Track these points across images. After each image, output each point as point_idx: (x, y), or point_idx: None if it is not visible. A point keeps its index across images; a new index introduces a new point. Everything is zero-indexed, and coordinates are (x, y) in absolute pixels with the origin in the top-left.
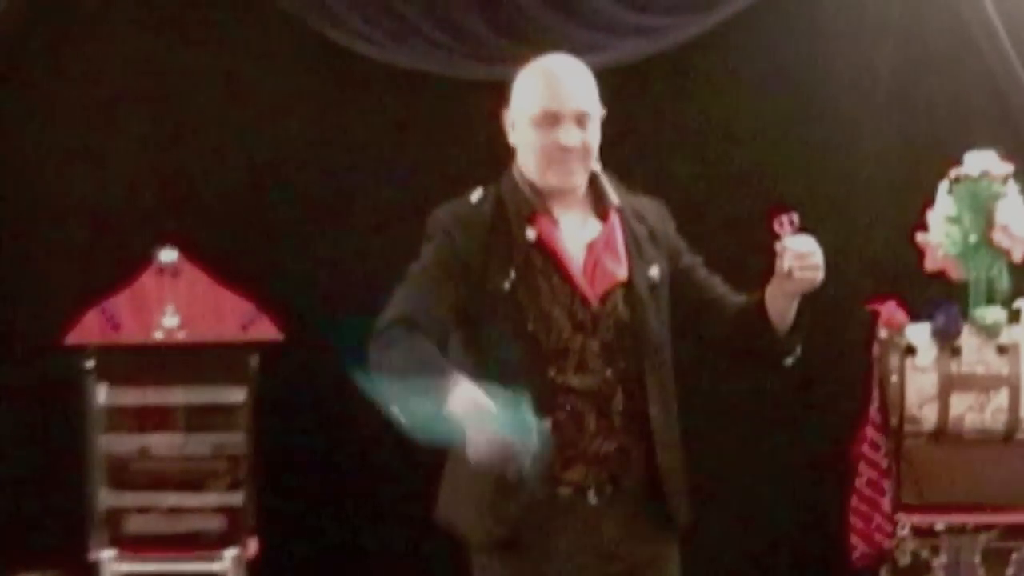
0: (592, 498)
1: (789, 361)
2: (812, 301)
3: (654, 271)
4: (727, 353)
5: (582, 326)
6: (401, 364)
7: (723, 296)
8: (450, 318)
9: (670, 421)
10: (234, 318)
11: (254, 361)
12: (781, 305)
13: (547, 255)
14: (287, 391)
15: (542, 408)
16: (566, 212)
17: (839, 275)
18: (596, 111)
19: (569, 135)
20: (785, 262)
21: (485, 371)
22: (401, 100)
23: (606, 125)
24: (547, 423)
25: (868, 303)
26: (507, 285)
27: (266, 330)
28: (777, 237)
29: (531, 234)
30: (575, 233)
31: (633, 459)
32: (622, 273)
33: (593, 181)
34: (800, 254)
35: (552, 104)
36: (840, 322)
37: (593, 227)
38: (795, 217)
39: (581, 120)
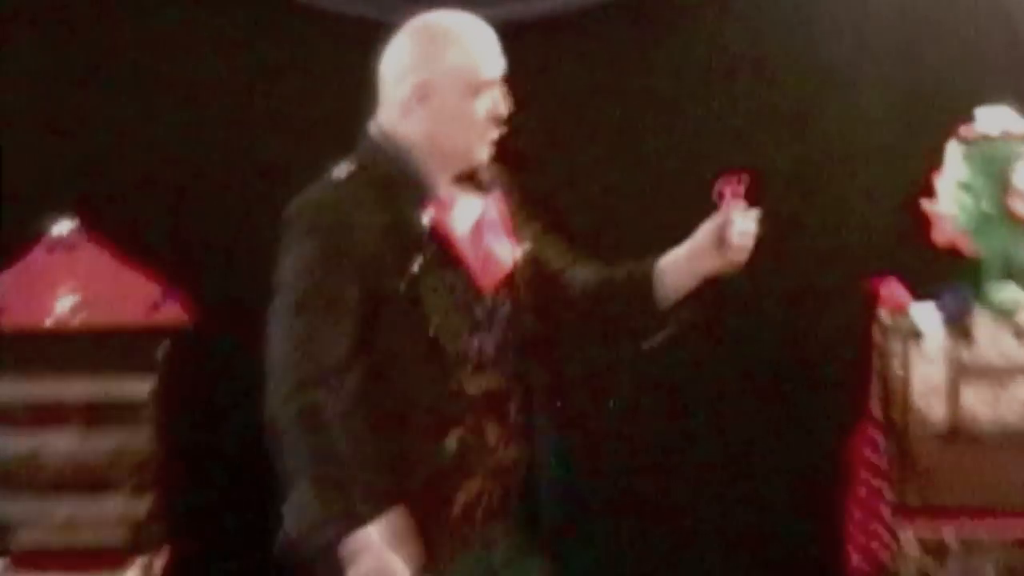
0: (478, 515)
1: (647, 344)
2: (801, 278)
3: (526, 247)
4: (571, 333)
5: (478, 324)
6: (323, 460)
7: (573, 264)
8: (352, 353)
9: (551, 424)
10: (139, 300)
11: (162, 349)
12: (686, 281)
13: (441, 244)
14: (200, 383)
15: (446, 423)
16: (446, 189)
17: (833, 249)
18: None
19: (501, 104)
20: (732, 234)
21: (380, 388)
22: (336, 54)
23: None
24: (452, 440)
25: (866, 281)
26: (403, 285)
27: (176, 314)
28: (715, 204)
29: (425, 220)
30: (462, 214)
31: (523, 468)
32: (509, 258)
33: None
34: (744, 231)
35: (490, 71)
36: (835, 303)
37: (473, 203)
38: (744, 179)
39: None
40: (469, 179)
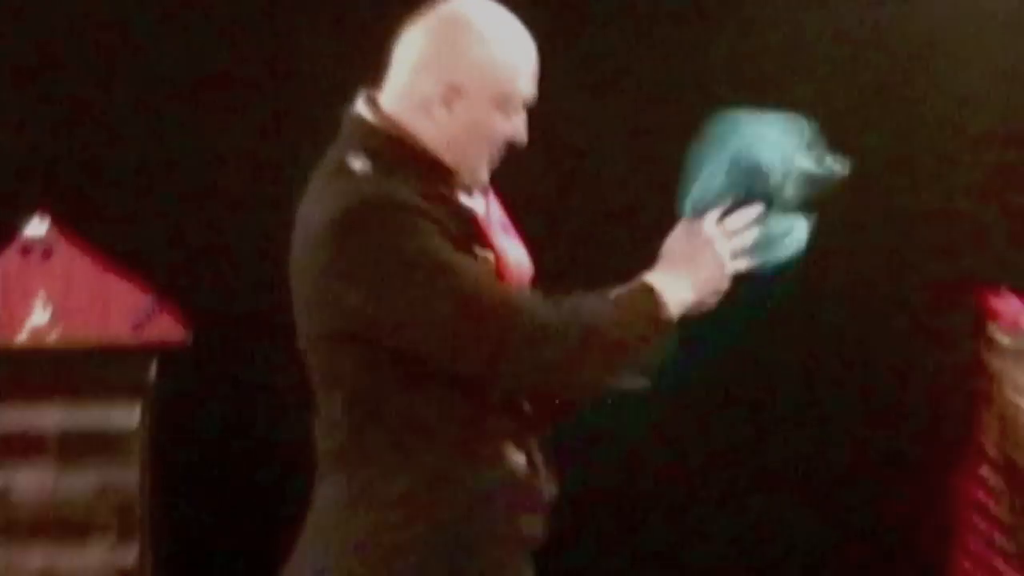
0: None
1: (641, 383)
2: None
3: None
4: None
5: None
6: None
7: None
8: None
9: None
10: (125, 313)
11: (151, 371)
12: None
13: (486, 248)
14: (194, 410)
15: (516, 447)
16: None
17: (932, 252)
18: None
19: (524, 130)
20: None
21: (441, 409)
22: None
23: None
24: (520, 455)
25: (975, 293)
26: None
27: (167, 329)
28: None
29: (479, 208)
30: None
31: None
32: (528, 263)
33: None
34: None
35: (527, 90)
36: (935, 318)
37: (479, 206)
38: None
39: None
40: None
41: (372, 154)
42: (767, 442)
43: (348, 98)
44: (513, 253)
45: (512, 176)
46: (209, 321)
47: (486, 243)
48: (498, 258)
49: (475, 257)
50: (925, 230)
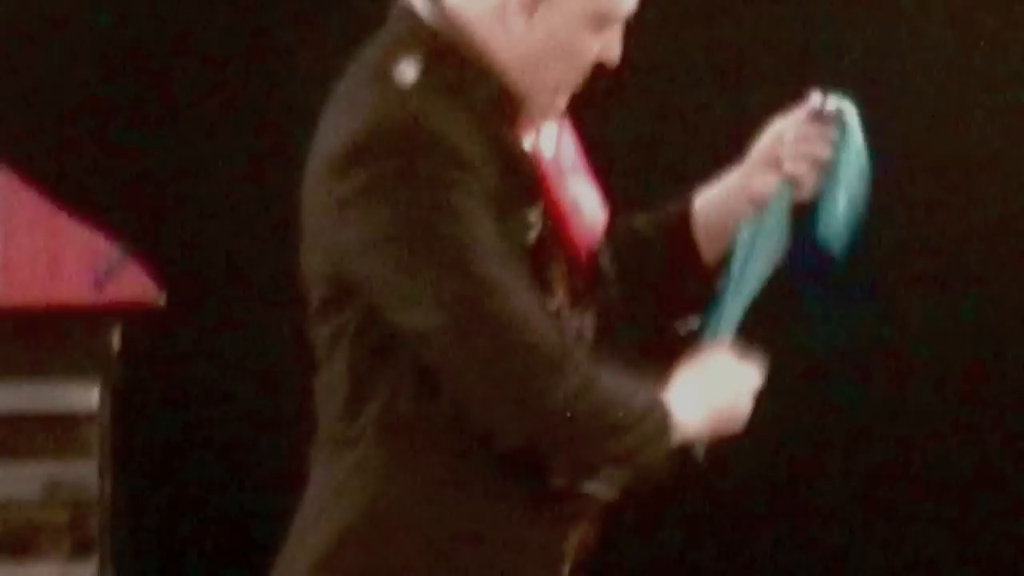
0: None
1: (682, 327)
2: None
3: None
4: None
5: (579, 301)
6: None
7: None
8: None
9: None
10: (82, 268)
11: (115, 339)
12: (736, 209)
13: (539, 190)
14: (167, 391)
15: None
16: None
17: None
18: None
19: (616, 49)
20: (789, 144)
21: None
22: None
23: None
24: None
25: None
26: (532, 237)
27: (135, 288)
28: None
29: (546, 148)
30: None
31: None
32: (600, 212)
33: None
34: (809, 134)
35: (627, 6)
36: None
37: (548, 143)
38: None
39: None
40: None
41: (425, 61)
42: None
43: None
44: (585, 203)
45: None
46: (185, 280)
47: (545, 198)
48: (560, 214)
49: (525, 223)
50: None
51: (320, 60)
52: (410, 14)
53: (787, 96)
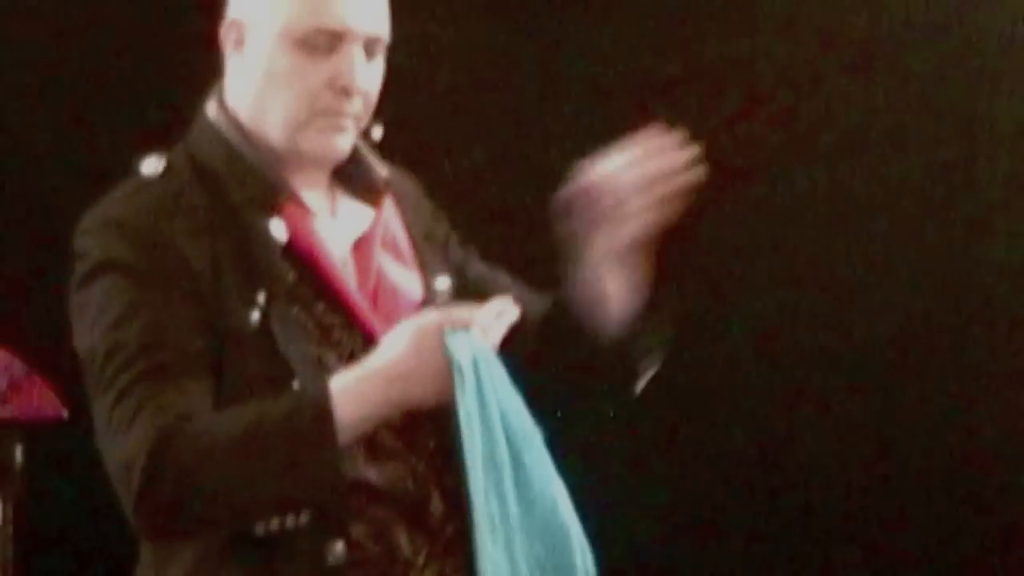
0: None
1: (634, 387)
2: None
3: (443, 284)
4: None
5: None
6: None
7: (522, 299)
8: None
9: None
10: None
11: (17, 454)
12: (605, 285)
13: (304, 268)
14: (71, 503)
15: (332, 521)
16: (311, 192)
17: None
18: (388, 37)
19: (354, 70)
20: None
21: None
22: None
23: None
24: (337, 547)
25: None
26: (255, 316)
27: (39, 402)
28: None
29: (279, 232)
30: (334, 227)
31: None
32: (415, 290)
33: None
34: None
35: (333, 18)
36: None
37: (355, 215)
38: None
39: (372, 49)
40: (360, 184)
41: (185, 152)
42: None
43: None
44: (395, 282)
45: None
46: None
47: (316, 286)
48: (345, 299)
49: (248, 302)
50: None
51: None
52: (200, 110)
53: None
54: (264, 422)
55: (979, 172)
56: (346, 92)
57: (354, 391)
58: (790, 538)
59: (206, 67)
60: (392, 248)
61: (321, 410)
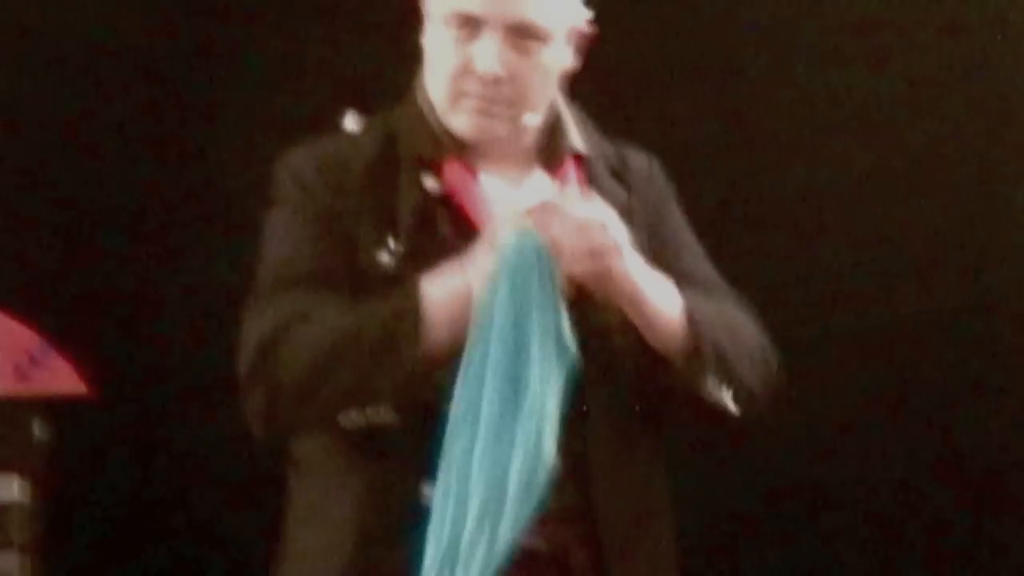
0: None
1: (725, 399)
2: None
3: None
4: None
5: None
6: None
7: None
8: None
9: (637, 514)
10: (6, 354)
11: (35, 429)
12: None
13: (461, 222)
14: (96, 484)
15: (425, 464)
16: (501, 162)
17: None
18: (562, 22)
19: (489, 56)
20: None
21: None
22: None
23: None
24: (430, 489)
25: None
26: (386, 257)
27: (62, 379)
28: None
29: (432, 184)
30: (509, 191)
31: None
32: None
33: (550, 121)
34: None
35: (470, 3)
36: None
37: (538, 184)
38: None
39: (521, 34)
40: (551, 154)
41: (386, 116)
42: None
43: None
44: None
45: None
46: (116, 372)
47: (468, 238)
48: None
49: (381, 246)
50: None
51: (251, 165)
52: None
53: None
54: (361, 311)
55: (996, 156)
56: (481, 77)
57: (443, 285)
58: (797, 534)
59: None
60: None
61: (410, 301)
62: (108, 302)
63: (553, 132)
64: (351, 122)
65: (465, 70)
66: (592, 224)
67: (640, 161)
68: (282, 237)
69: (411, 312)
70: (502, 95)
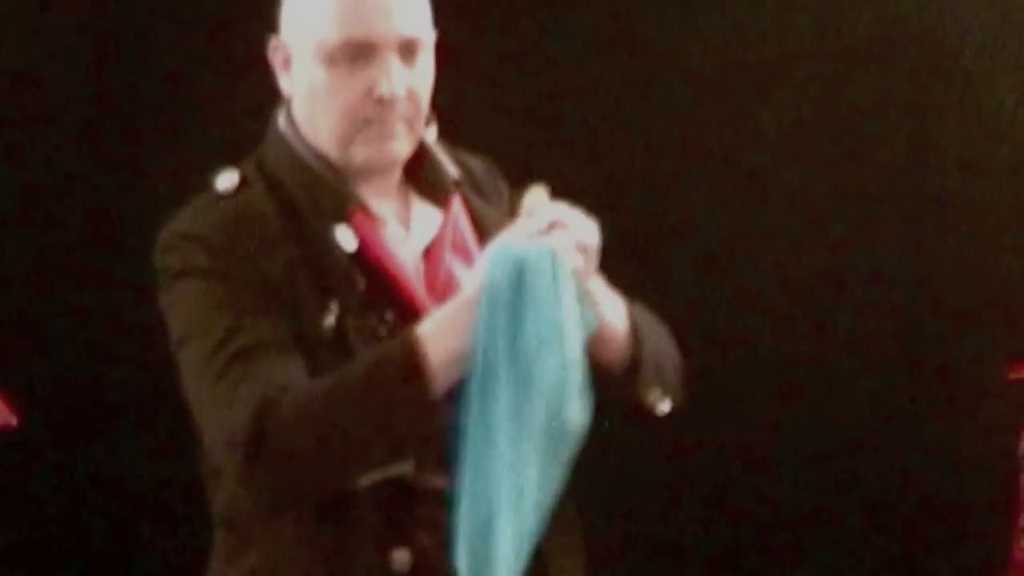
0: None
1: (660, 405)
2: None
3: None
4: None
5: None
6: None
7: None
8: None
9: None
10: None
11: None
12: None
13: (375, 275)
14: (23, 516)
15: (396, 528)
16: (382, 200)
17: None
18: (430, 34)
19: (391, 77)
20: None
21: None
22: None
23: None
24: (402, 554)
25: (1014, 366)
26: (330, 322)
27: None
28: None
29: (348, 241)
30: (405, 234)
31: None
32: None
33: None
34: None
35: (358, 28)
36: (964, 394)
37: (425, 218)
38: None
39: (410, 50)
40: (430, 185)
41: (256, 166)
42: None
43: None
44: (457, 285)
45: None
46: (43, 404)
47: (387, 294)
48: (415, 304)
49: (321, 307)
50: None
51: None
52: (272, 122)
53: None
54: (356, 371)
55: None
56: (385, 101)
57: (441, 324)
58: (776, 538)
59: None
60: (461, 251)
61: (411, 348)
62: (30, 331)
63: (420, 157)
64: (225, 180)
65: (367, 97)
66: (589, 225)
67: (479, 165)
68: (212, 308)
69: (415, 368)
70: (401, 114)
